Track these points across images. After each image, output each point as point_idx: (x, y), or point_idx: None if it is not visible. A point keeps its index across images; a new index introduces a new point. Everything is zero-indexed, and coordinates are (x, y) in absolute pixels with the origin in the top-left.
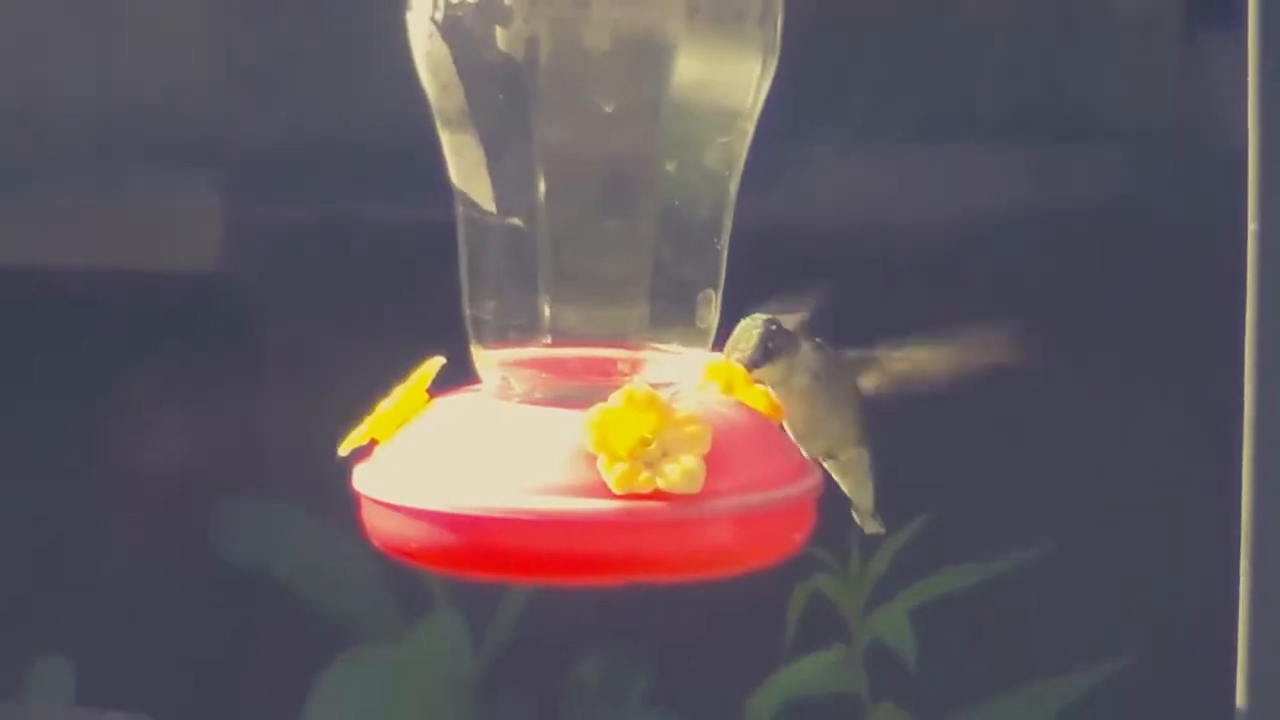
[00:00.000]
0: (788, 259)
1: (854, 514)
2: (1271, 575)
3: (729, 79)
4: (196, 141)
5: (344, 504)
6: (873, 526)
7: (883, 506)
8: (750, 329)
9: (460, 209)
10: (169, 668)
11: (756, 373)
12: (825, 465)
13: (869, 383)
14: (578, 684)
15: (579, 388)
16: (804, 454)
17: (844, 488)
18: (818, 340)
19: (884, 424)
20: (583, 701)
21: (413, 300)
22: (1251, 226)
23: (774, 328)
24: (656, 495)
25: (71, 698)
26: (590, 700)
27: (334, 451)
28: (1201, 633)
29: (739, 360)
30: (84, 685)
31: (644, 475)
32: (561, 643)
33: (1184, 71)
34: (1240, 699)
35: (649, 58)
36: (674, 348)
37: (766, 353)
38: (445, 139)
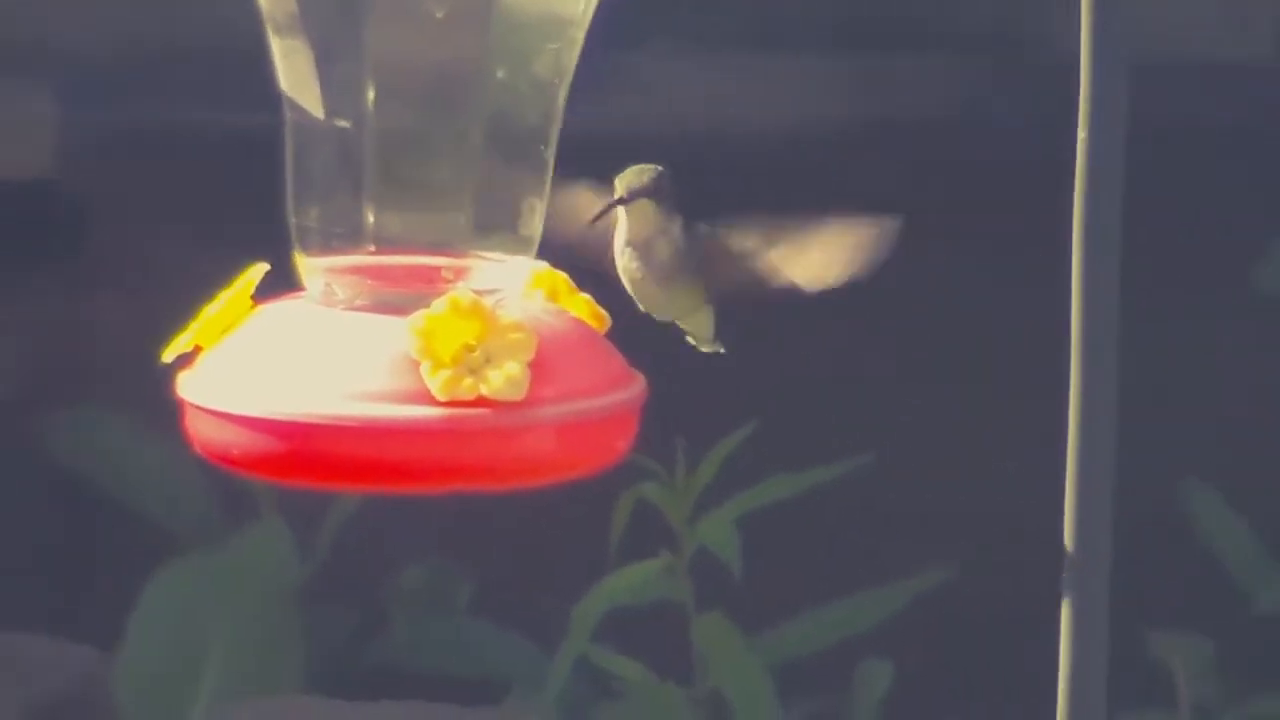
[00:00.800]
0: (615, 168)
1: (690, 340)
2: (1095, 485)
3: None
4: (24, 46)
5: (170, 411)
6: (712, 347)
7: (711, 413)
8: (646, 168)
9: (288, 115)
10: None
11: (641, 201)
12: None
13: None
14: (403, 592)
15: (403, 295)
16: (624, 362)
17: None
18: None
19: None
20: (408, 610)
21: (238, 207)
22: (1081, 134)
23: (667, 177)
24: (480, 402)
25: None
26: (416, 609)
27: (159, 358)
28: (1025, 542)
29: (628, 186)
30: None
31: (467, 382)
32: (387, 551)
33: None
34: (1064, 607)
35: None
36: (499, 255)
37: (658, 189)
38: (275, 43)
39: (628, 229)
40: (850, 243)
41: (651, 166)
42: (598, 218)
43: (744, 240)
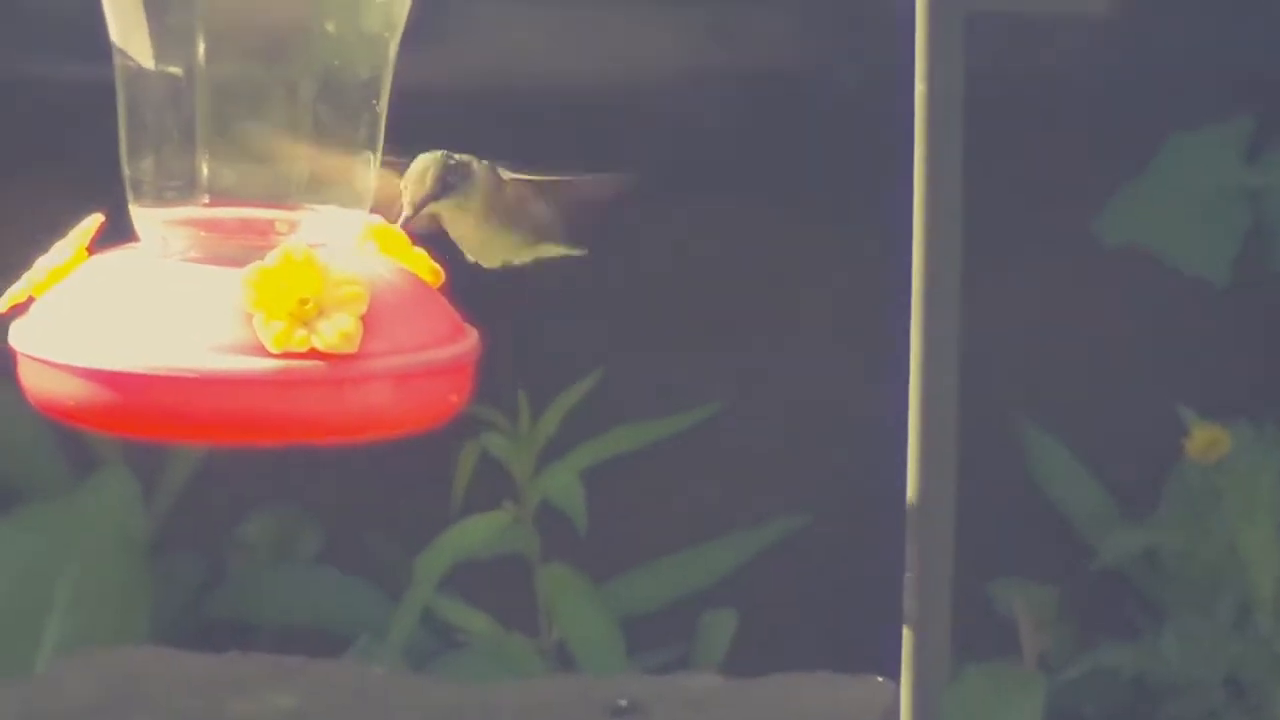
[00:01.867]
0: (448, 120)
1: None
2: (938, 436)
3: None
4: None
5: (6, 361)
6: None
7: (555, 365)
8: (428, 163)
9: (119, 65)
10: None
11: (434, 206)
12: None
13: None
14: (246, 544)
15: (237, 247)
16: (458, 316)
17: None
18: (487, 162)
19: (557, 283)
20: (251, 561)
21: (73, 158)
22: (920, 87)
23: (452, 162)
24: (313, 355)
25: None
26: (259, 560)
27: None
28: (869, 491)
29: (415, 195)
30: None
31: (300, 334)
32: (231, 502)
33: None
34: (908, 557)
35: None
36: (332, 209)
37: (445, 186)
38: None
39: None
40: (593, 196)
41: (434, 159)
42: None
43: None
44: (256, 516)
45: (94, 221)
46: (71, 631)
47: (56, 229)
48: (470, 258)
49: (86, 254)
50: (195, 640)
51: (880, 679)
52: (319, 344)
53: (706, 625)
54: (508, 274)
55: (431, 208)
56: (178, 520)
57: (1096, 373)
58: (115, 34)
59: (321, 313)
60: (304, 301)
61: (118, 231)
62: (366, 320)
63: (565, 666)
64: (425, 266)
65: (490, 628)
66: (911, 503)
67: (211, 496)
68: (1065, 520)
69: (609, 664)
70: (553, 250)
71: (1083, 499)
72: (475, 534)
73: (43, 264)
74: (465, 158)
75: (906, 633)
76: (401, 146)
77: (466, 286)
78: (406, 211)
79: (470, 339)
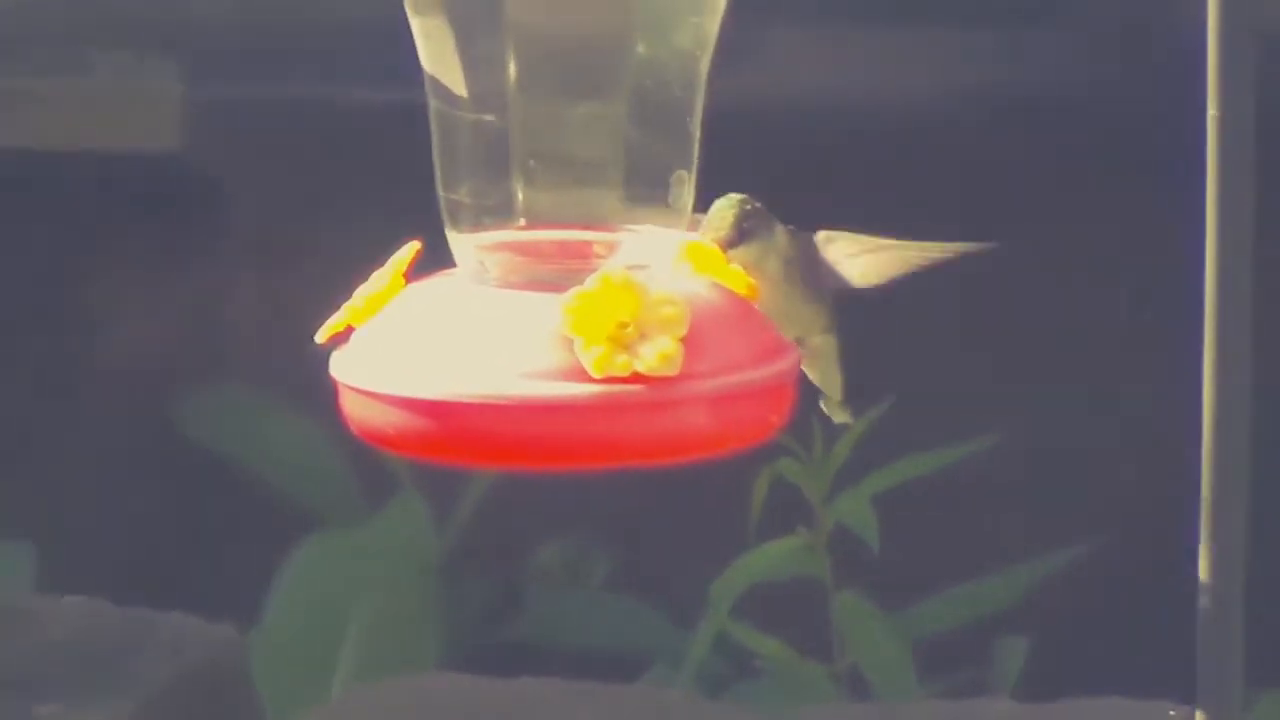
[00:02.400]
0: (759, 139)
1: (822, 405)
2: (1230, 462)
3: None
4: (162, 22)
5: (310, 389)
6: (841, 416)
7: (848, 392)
8: (725, 209)
9: (431, 94)
10: (132, 553)
11: (730, 253)
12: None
13: (840, 270)
14: (540, 568)
15: (554, 271)
16: (777, 333)
17: (812, 376)
18: (790, 226)
19: (849, 308)
20: (545, 586)
21: (388, 185)
22: (1211, 112)
23: (749, 208)
24: (634, 378)
25: (32, 583)
26: (553, 584)
27: (306, 337)
28: (1160, 516)
29: (713, 240)
30: (44, 571)
31: (621, 358)
32: (525, 527)
33: None
34: (1203, 579)
35: None
36: (648, 229)
37: (742, 233)
38: (415, 23)
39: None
40: (937, 259)
41: (733, 204)
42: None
43: (844, 248)
44: (551, 541)
45: (411, 249)
46: (365, 657)
47: (374, 257)
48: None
49: (404, 281)
50: (488, 665)
51: (1172, 706)
52: (640, 367)
53: (1000, 650)
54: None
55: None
56: (471, 544)
57: None
58: (427, 61)
59: (642, 335)
60: (623, 325)
61: (434, 258)
62: (687, 341)
63: (858, 691)
64: (742, 283)
65: (784, 653)
66: (1204, 525)
67: (504, 520)
68: None
69: (901, 689)
70: (833, 366)
71: None
72: (769, 559)
73: (361, 293)
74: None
75: (1200, 658)
76: (715, 164)
77: None
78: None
79: (791, 355)
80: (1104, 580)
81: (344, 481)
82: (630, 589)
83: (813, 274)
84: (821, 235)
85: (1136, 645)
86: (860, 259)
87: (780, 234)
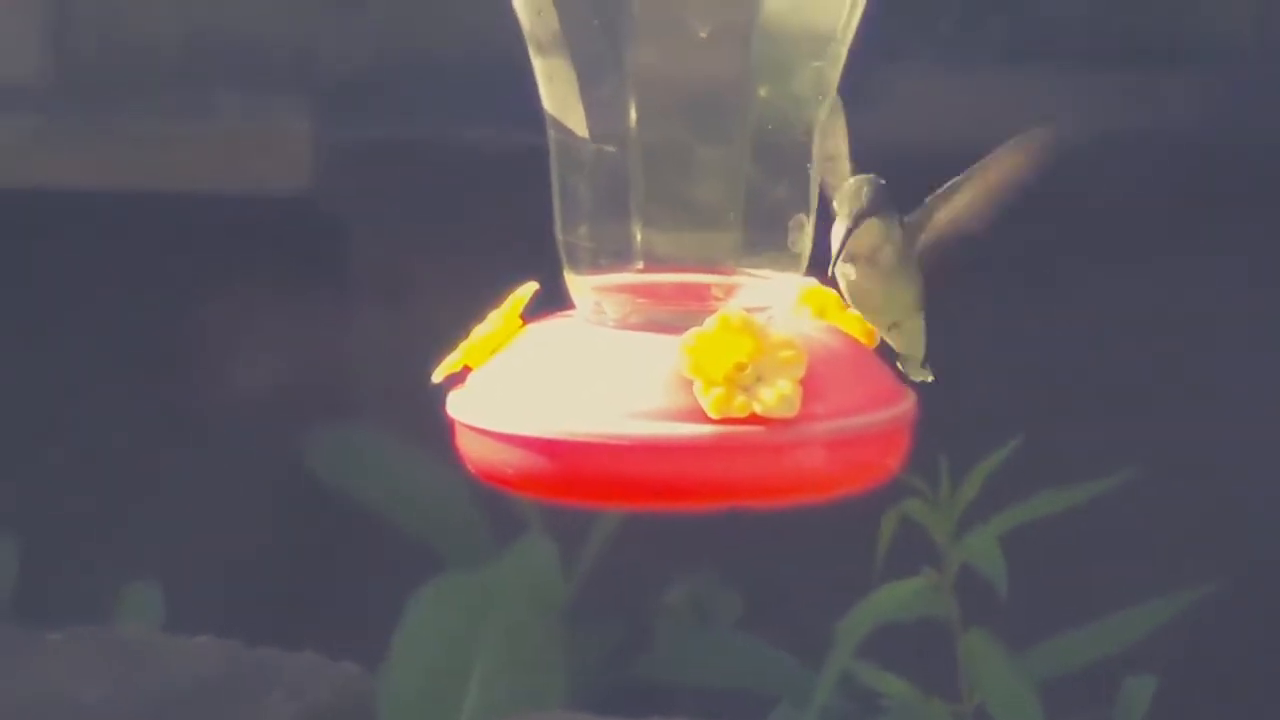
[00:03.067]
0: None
1: (900, 365)
2: None
3: (822, 2)
4: (285, 63)
5: (436, 429)
6: (921, 374)
7: (973, 429)
8: (861, 183)
9: (552, 134)
10: (259, 593)
11: (866, 224)
12: (886, 336)
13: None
14: (667, 609)
15: (672, 313)
16: (894, 378)
17: (897, 348)
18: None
19: (976, 348)
20: (673, 627)
21: (506, 225)
22: None
23: (881, 183)
24: (752, 420)
25: (161, 622)
26: (680, 625)
27: (427, 377)
28: None
29: (851, 212)
30: (173, 610)
31: (740, 400)
32: (651, 568)
33: None
34: None
35: None
36: (767, 272)
37: (877, 205)
38: (537, 64)
39: (851, 244)
40: (1020, 162)
41: (867, 179)
42: (837, 258)
43: (941, 199)
44: (677, 581)
45: (528, 289)
46: (491, 697)
47: (491, 297)
48: (858, 310)
49: (521, 322)
50: (616, 706)
51: None
52: (759, 409)
53: (1128, 690)
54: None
55: (859, 237)
56: (597, 584)
57: None
58: (548, 103)
59: (760, 377)
60: (742, 366)
61: (552, 299)
62: (805, 384)
63: None
64: (859, 328)
65: (910, 693)
66: None
67: (631, 561)
68: None
69: None
70: (918, 338)
71: None
72: (896, 599)
73: (478, 333)
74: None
75: None
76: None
77: (893, 350)
78: (847, 224)
79: (908, 401)
80: (1231, 622)
81: (471, 521)
82: (757, 629)
83: (912, 261)
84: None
85: (1265, 687)
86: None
87: (894, 223)
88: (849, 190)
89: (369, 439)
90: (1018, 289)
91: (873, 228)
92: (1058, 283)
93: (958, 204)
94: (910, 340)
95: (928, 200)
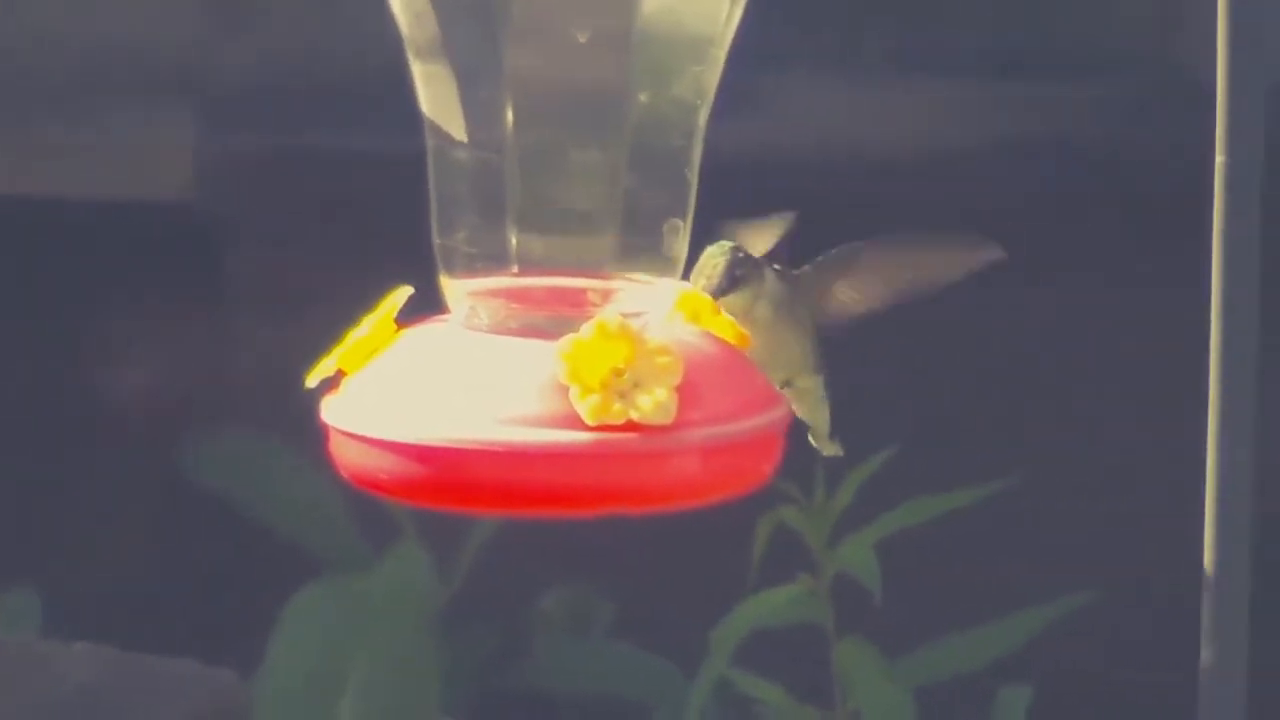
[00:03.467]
0: (757, 189)
1: (810, 438)
2: (1235, 509)
3: (700, 7)
4: (170, 73)
5: (313, 435)
6: (830, 449)
7: (849, 437)
8: (716, 256)
9: (430, 139)
10: (136, 599)
11: (721, 301)
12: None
13: (826, 303)
14: (542, 616)
15: (548, 318)
16: (768, 384)
17: (799, 413)
18: (777, 267)
19: (849, 352)
20: (547, 633)
21: (383, 230)
22: (1219, 159)
23: (740, 255)
24: (629, 427)
25: (39, 630)
26: (554, 632)
27: (303, 382)
28: (1166, 564)
29: (704, 288)
30: (50, 617)
31: (616, 407)
32: (526, 575)
33: (1158, 3)
34: (1205, 627)
35: None
36: (643, 278)
37: (733, 280)
38: (416, 69)
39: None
40: (944, 260)
41: (723, 251)
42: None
43: (841, 267)
44: (552, 589)
45: (402, 294)
46: (368, 704)
47: (367, 302)
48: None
49: (396, 327)
50: (490, 713)
51: None
52: (635, 416)
53: (1002, 699)
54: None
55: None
56: (472, 592)
57: None
58: (426, 107)
59: (637, 384)
60: (618, 373)
61: (428, 303)
62: (681, 390)
63: None
64: (733, 333)
65: (784, 700)
66: (1207, 576)
67: (506, 567)
68: None
69: None
70: (819, 404)
71: None
72: (771, 605)
73: (352, 338)
74: (757, 251)
75: (1202, 708)
76: (711, 214)
77: None
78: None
79: (781, 406)
80: (1108, 630)
81: (346, 527)
82: (633, 636)
83: (799, 315)
84: (823, 258)
85: (1139, 697)
86: (863, 277)
87: (770, 278)
88: (702, 265)
89: (247, 445)
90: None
91: (730, 301)
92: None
93: (868, 276)
94: (809, 405)
95: (827, 256)
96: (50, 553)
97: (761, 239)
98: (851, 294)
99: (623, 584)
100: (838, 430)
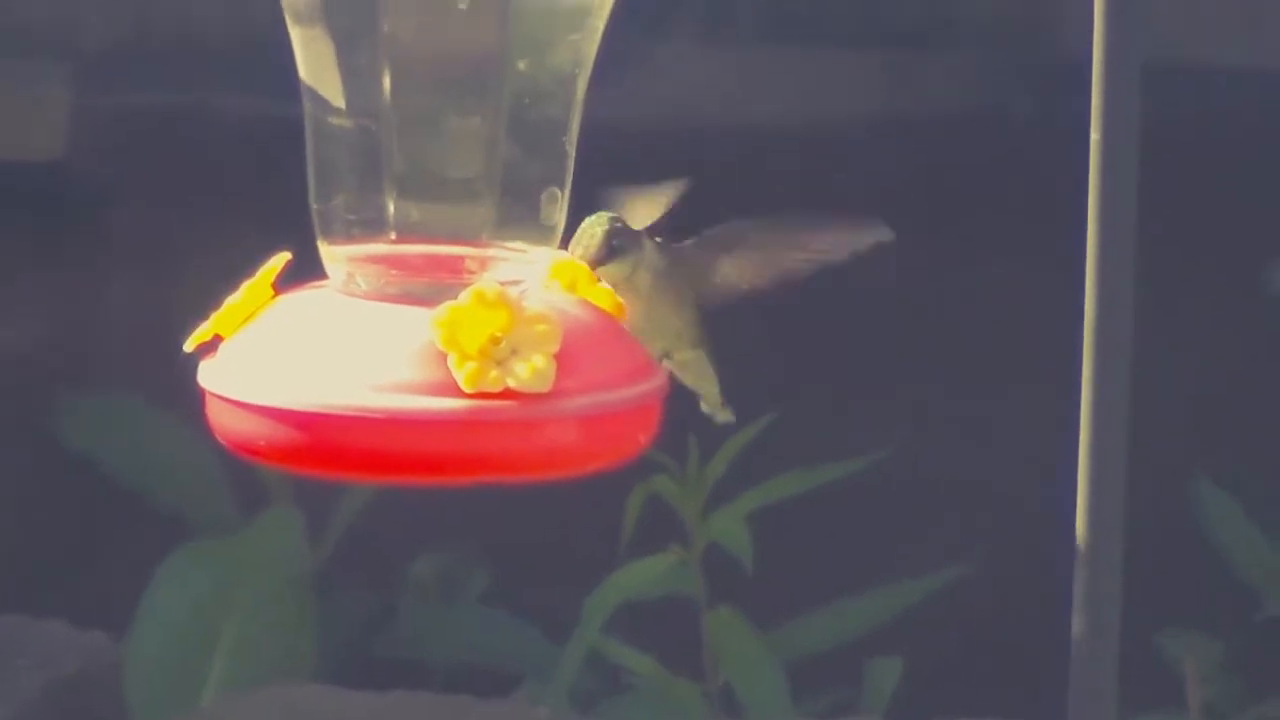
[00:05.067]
0: (634, 158)
1: (702, 406)
2: (1107, 484)
3: None
4: (45, 29)
5: (185, 397)
6: (724, 415)
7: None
8: (594, 226)
9: (308, 103)
10: (6, 561)
11: (599, 271)
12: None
13: (709, 278)
14: (415, 582)
15: (426, 285)
16: (646, 353)
17: (686, 382)
18: (658, 239)
19: (723, 324)
20: (420, 600)
21: (262, 194)
22: (1094, 135)
23: (618, 225)
24: (506, 394)
25: None
26: (427, 599)
27: (179, 345)
28: (1036, 539)
29: (582, 258)
30: None
31: (494, 374)
32: (399, 541)
33: None
34: (1075, 606)
35: None
36: (520, 246)
37: (611, 250)
38: (294, 33)
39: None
40: (832, 240)
41: (601, 221)
42: None
43: (725, 245)
44: (425, 555)
45: (280, 259)
46: (238, 668)
47: (245, 266)
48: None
49: (274, 291)
50: (362, 679)
51: None
52: (513, 383)
53: (873, 671)
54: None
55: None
56: (345, 557)
57: (1265, 422)
58: (304, 71)
59: (514, 351)
60: (496, 340)
61: (305, 268)
62: (558, 358)
63: (730, 710)
64: (610, 302)
65: (656, 670)
66: (1080, 550)
67: (378, 533)
68: (1233, 570)
69: (774, 709)
70: (707, 373)
71: (1251, 548)
72: (642, 576)
73: (229, 303)
74: (637, 223)
75: (1073, 681)
76: (588, 183)
77: None
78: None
79: (659, 376)
80: (979, 603)
81: (218, 491)
82: (504, 604)
83: (680, 287)
84: (707, 234)
85: (1011, 669)
86: (747, 256)
87: (650, 249)
88: (580, 235)
89: (119, 406)
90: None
91: (610, 270)
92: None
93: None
94: (696, 376)
95: (712, 231)
96: None
97: (649, 208)
98: (735, 271)
99: (496, 551)
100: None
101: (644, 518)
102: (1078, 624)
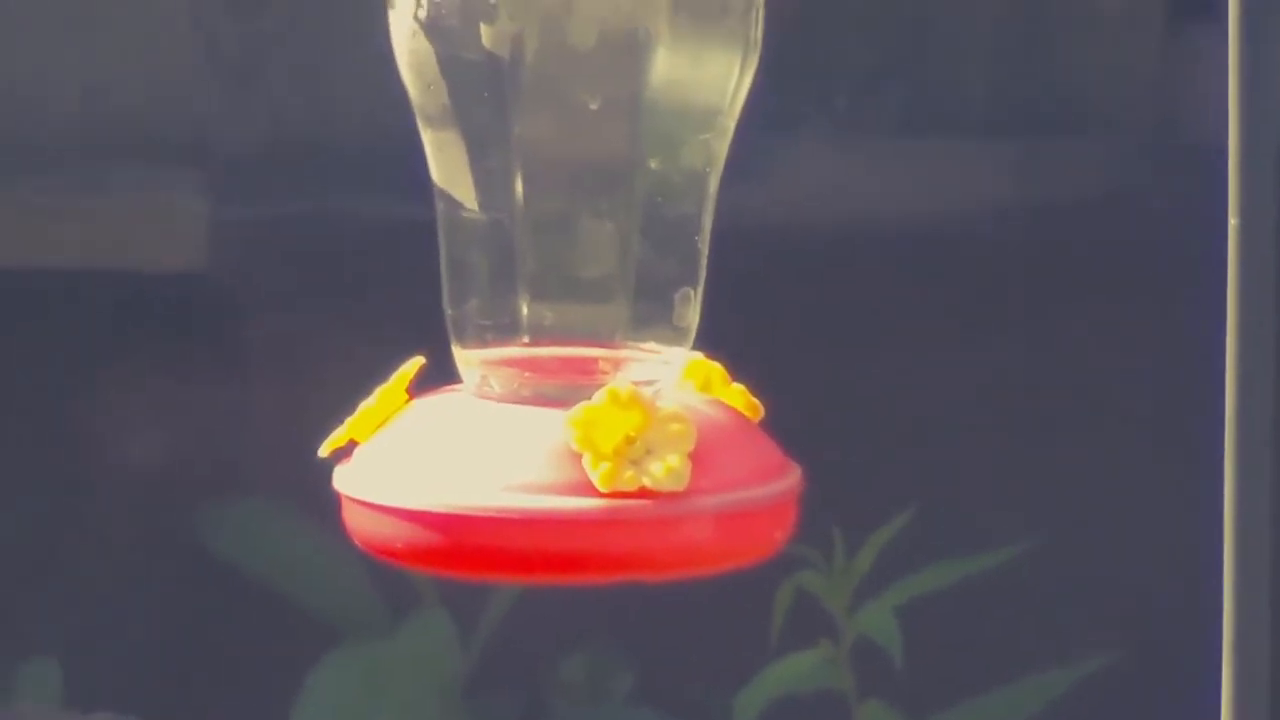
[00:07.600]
0: (769, 256)
1: None
2: (1254, 569)
3: (710, 76)
4: (178, 139)
5: (330, 503)
6: None
7: (869, 503)
8: None
9: (440, 207)
10: (156, 668)
11: None
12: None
13: None
14: (564, 682)
15: (559, 386)
16: (781, 452)
17: None
18: None
19: (869, 418)
20: (569, 700)
21: (396, 299)
22: (1232, 221)
23: None
24: (641, 493)
25: (59, 699)
26: (577, 699)
27: (316, 450)
28: (1187, 627)
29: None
30: (71, 687)
31: (629, 473)
32: (548, 641)
33: (1167, 64)
34: (1225, 695)
35: (631, 55)
36: (654, 346)
37: None
38: (426, 137)
39: None
40: None
41: None
42: None
43: None
44: (572, 655)
45: (415, 363)
46: None
47: (379, 371)
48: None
49: (408, 396)
50: None
51: None
52: (648, 483)
53: None
54: (822, 409)
55: None
56: (494, 658)
57: None
58: (436, 175)
59: (649, 451)
60: (630, 440)
61: (440, 373)
62: (693, 457)
63: None
64: (744, 402)
65: None
66: (1227, 639)
67: (528, 634)
68: None
69: None
70: None
71: None
72: (792, 672)
73: (364, 407)
74: None
75: None
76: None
77: (781, 422)
78: None
79: (794, 474)
80: (1129, 691)
81: (366, 595)
82: (654, 703)
83: None
84: None
85: None
86: None
87: None
88: None
89: (264, 513)
90: (907, 356)
91: None
92: (952, 349)
93: None
94: None
95: None
96: (71, 623)
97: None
98: None
99: (645, 651)
100: (852, 494)
101: (792, 613)
102: (1228, 711)
